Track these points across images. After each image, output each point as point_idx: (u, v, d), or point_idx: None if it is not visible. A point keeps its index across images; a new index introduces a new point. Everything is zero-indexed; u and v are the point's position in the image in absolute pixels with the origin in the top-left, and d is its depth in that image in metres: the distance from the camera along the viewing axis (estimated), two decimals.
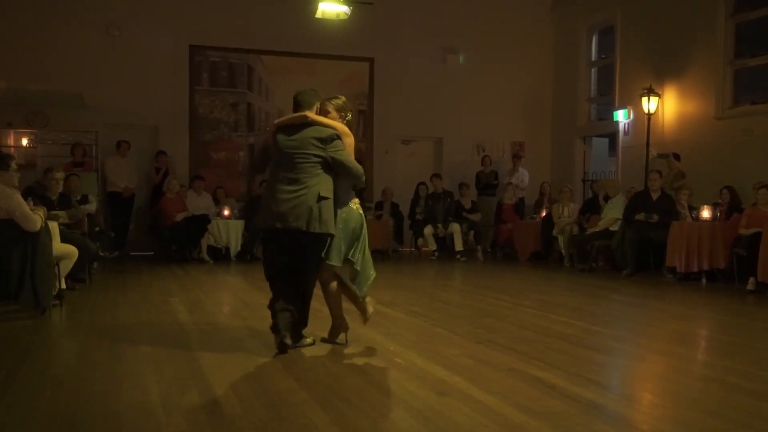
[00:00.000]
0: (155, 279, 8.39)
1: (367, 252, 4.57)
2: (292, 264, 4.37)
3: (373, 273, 4.61)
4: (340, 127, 4.43)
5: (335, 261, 4.42)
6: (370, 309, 4.68)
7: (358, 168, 4.41)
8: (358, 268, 4.48)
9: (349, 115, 4.62)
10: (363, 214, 4.58)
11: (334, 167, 4.35)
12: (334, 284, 4.51)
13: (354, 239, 4.47)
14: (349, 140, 4.45)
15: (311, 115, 4.38)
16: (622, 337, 5.37)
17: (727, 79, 10.42)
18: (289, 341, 4.32)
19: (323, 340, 4.68)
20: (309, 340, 4.58)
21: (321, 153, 4.29)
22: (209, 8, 11.93)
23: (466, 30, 13.19)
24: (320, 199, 4.25)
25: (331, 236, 4.35)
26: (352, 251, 4.46)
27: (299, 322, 4.43)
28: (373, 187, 12.34)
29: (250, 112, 12.39)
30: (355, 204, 4.54)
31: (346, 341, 4.68)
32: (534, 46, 13.76)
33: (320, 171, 4.30)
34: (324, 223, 4.27)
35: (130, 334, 5.04)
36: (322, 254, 4.38)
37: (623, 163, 12.24)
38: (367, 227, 4.63)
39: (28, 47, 10.91)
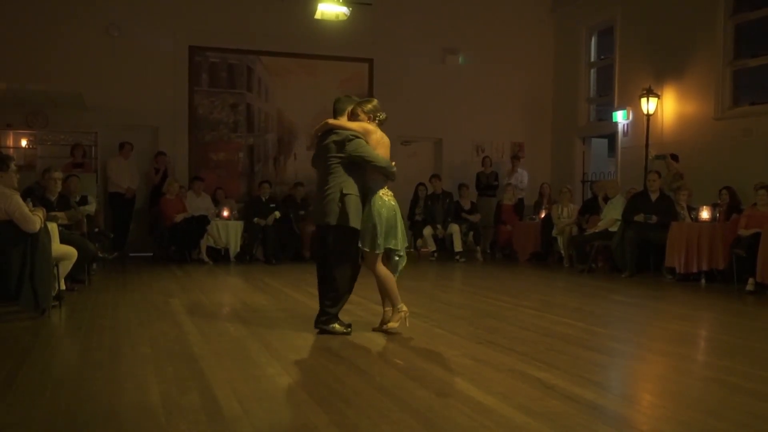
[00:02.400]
0: (155, 280, 8.39)
1: (402, 236, 4.88)
2: (325, 255, 4.87)
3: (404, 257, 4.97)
4: (359, 126, 4.75)
5: (371, 248, 4.74)
6: (397, 322, 5.00)
7: (381, 159, 4.74)
8: (401, 254, 4.87)
9: (381, 116, 4.91)
10: (395, 203, 4.89)
11: (359, 164, 4.72)
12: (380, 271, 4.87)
13: (390, 227, 4.79)
14: (375, 136, 4.78)
15: (331, 121, 4.80)
16: (622, 338, 5.38)
17: (727, 80, 10.42)
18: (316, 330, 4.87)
19: (374, 330, 5.05)
20: (339, 328, 4.87)
21: (340, 154, 4.69)
22: (209, 8, 11.93)
23: (466, 30, 13.19)
24: (342, 196, 4.66)
25: (355, 228, 4.72)
26: (390, 239, 4.78)
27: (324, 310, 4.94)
28: None
29: (249, 112, 12.36)
30: (387, 195, 4.82)
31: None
32: (534, 47, 13.77)
33: (342, 171, 4.71)
34: (346, 216, 4.68)
35: (130, 335, 5.04)
36: (362, 245, 4.75)
37: (622, 163, 12.24)
38: None
39: (28, 47, 10.90)
